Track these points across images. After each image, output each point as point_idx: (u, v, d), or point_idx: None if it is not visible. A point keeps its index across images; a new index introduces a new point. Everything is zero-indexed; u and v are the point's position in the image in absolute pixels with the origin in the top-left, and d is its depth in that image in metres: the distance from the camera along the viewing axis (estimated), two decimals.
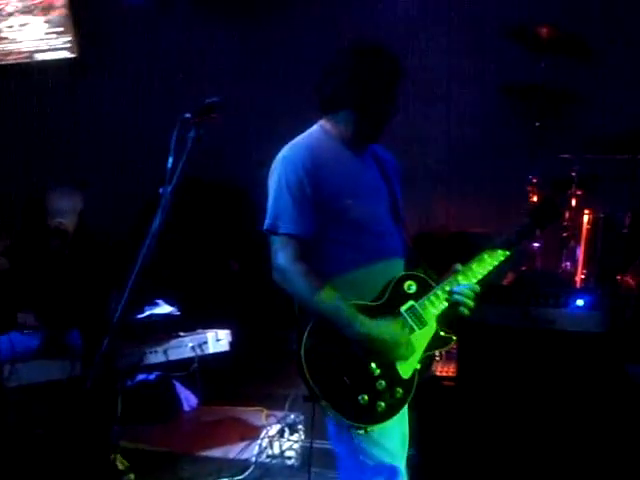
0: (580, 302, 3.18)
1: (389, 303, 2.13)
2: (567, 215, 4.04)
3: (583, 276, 4.00)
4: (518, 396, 3.08)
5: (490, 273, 2.23)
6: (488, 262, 2.22)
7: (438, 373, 3.39)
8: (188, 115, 1.94)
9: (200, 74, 5.24)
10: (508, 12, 4.34)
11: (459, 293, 2.15)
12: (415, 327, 2.13)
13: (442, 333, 2.18)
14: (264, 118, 5.05)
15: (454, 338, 2.19)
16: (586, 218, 4.02)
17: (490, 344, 3.18)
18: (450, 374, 3.37)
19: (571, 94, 4.26)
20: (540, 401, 3.05)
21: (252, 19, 5.26)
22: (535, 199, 4.03)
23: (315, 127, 2.25)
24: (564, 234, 4.04)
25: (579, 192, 4.01)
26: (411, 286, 2.16)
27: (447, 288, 2.17)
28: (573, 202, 4.01)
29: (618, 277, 3.74)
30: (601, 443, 2.95)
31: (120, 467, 3.08)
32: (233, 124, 4.81)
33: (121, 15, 5.51)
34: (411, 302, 2.15)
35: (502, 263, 2.23)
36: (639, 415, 2.94)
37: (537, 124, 4.14)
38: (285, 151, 2.17)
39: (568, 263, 4.02)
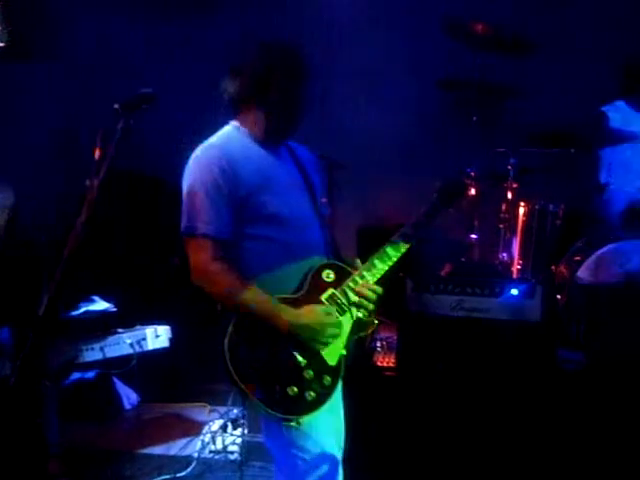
0: (515, 291, 3.26)
1: (309, 293, 2.14)
2: (504, 207, 4.12)
3: (519, 266, 4.10)
4: (457, 384, 3.15)
5: (394, 266, 2.24)
6: (391, 255, 2.22)
7: (379, 364, 3.44)
8: (117, 106, 1.90)
9: (136, 66, 5.13)
10: (446, 7, 4.39)
11: (362, 295, 2.16)
12: (337, 314, 2.15)
13: (364, 318, 2.20)
14: (206, 112, 4.98)
15: (376, 322, 2.22)
16: (522, 210, 4.12)
17: (429, 334, 3.24)
18: (391, 365, 3.41)
19: (507, 89, 4.34)
20: (478, 389, 3.13)
21: (191, 13, 5.18)
22: (473, 192, 4.11)
23: (228, 127, 2.25)
24: (501, 226, 4.12)
25: (515, 185, 4.09)
26: (329, 274, 2.18)
27: (358, 280, 2.18)
28: (509, 195, 4.09)
29: (553, 267, 3.85)
30: (535, 428, 3.04)
31: (55, 471, 3.01)
32: (175, 118, 4.75)
33: (54, 4, 5.35)
34: (331, 290, 2.17)
35: (405, 253, 2.23)
36: (567, 401, 3.05)
37: (474, 118, 4.21)
38: (199, 151, 2.15)
39: (505, 254, 4.10)
